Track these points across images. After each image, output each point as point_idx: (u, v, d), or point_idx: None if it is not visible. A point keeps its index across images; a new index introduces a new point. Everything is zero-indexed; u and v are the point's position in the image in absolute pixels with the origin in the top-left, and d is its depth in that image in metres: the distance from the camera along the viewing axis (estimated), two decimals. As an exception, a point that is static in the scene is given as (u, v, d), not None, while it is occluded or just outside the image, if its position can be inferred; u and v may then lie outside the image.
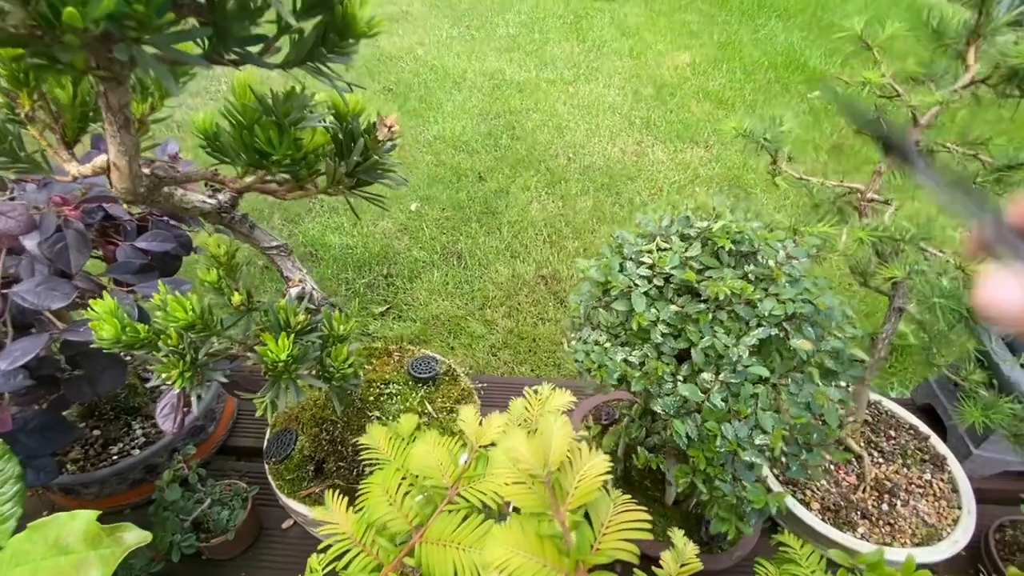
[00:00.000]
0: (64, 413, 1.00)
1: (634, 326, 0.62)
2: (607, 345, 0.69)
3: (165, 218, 0.90)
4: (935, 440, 1.08)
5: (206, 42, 0.44)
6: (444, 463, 0.53)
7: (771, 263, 0.64)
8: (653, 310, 0.63)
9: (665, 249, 0.65)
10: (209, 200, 0.69)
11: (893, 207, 0.93)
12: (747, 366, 0.61)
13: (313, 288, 0.84)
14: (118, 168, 0.49)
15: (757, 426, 0.63)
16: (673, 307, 0.62)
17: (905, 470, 1.03)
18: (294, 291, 0.80)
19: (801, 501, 0.97)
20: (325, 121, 0.57)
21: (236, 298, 0.68)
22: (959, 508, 0.97)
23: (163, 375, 0.62)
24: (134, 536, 0.44)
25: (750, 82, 2.97)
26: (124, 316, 0.60)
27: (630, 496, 0.40)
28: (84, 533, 0.44)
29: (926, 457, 1.06)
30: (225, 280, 0.70)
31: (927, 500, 0.98)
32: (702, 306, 0.61)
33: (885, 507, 0.97)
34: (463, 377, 1.15)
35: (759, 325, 0.62)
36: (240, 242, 0.77)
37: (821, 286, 0.69)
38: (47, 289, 0.67)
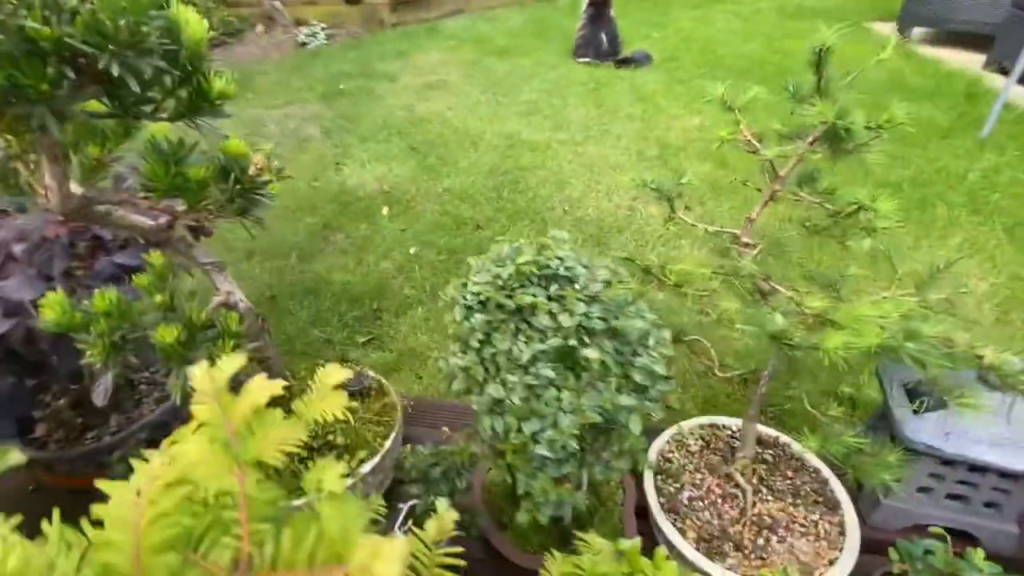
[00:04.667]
0: (56, 404, 1.22)
1: (450, 331, 0.75)
2: (455, 356, 0.82)
3: (142, 241, 1.12)
4: (835, 485, 1.09)
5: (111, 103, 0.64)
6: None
7: (571, 287, 0.75)
8: (467, 321, 0.75)
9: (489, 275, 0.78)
10: (149, 221, 0.88)
11: (757, 249, 1.01)
12: (540, 371, 0.72)
13: (240, 300, 1.02)
14: (51, 190, 0.69)
15: (555, 424, 0.73)
16: (480, 317, 0.74)
17: (792, 508, 1.05)
18: (218, 299, 0.98)
19: (679, 530, 1.01)
20: (214, 162, 0.75)
21: (159, 299, 0.87)
22: (841, 551, 0.98)
23: (89, 353, 0.81)
24: (15, 457, 0.60)
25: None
26: (67, 307, 0.79)
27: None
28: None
29: (819, 499, 1.07)
30: (155, 284, 0.88)
31: (807, 539, 1.00)
32: (503, 316, 0.73)
33: (760, 541, 0.99)
34: (392, 393, 1.29)
35: (555, 336, 0.73)
36: (177, 259, 0.96)
37: (632, 312, 0.79)
38: (26, 285, 0.88)
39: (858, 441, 0.85)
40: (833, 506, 1.07)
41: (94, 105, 0.64)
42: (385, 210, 2.71)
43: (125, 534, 0.42)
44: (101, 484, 0.41)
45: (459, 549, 0.64)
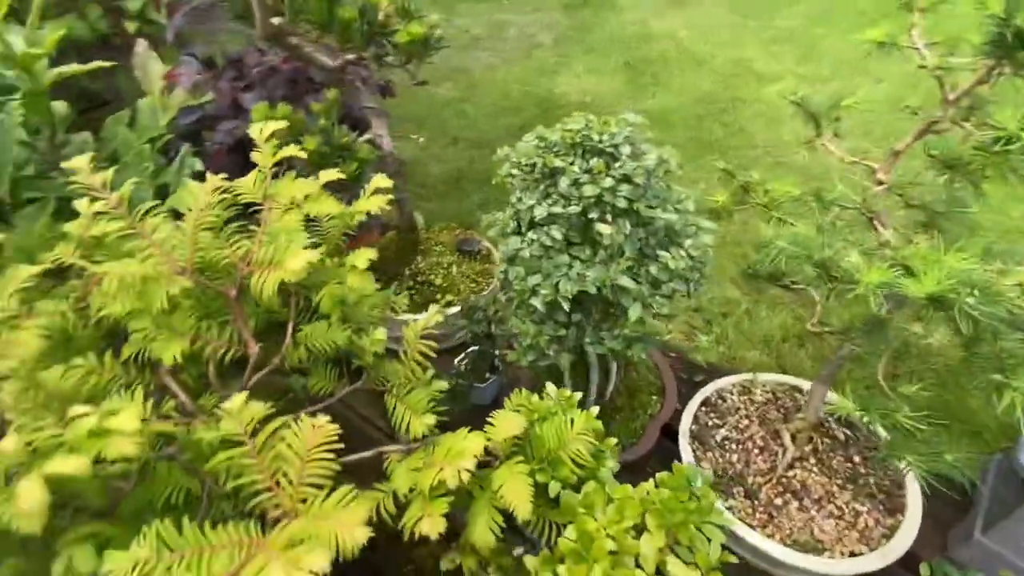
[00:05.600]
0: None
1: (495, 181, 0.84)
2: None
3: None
4: (914, 495, 0.93)
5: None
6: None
7: (610, 162, 0.76)
8: (509, 177, 0.83)
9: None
10: (329, 61, 1.13)
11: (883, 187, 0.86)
12: (551, 232, 0.77)
13: (387, 142, 1.24)
14: (257, 17, 0.95)
15: (556, 285, 0.78)
16: (519, 175, 0.81)
17: (836, 488, 0.93)
18: (366, 136, 1.21)
19: (695, 457, 1.00)
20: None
21: (322, 121, 1.12)
22: (871, 551, 0.86)
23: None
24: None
25: None
26: (266, 112, 1.09)
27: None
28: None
29: (880, 497, 0.93)
30: (324, 110, 1.14)
31: (835, 521, 0.90)
32: (536, 176, 0.79)
33: (779, 501, 0.93)
34: (497, 261, 1.44)
35: (578, 202, 0.76)
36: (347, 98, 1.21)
37: (670, 199, 0.78)
38: (256, 98, 1.22)
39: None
40: (893, 510, 0.91)
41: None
42: (579, 120, 2.77)
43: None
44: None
45: (433, 344, 0.78)
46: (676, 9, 3.78)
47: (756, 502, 0.93)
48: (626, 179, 0.76)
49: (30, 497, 0.41)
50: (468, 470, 0.58)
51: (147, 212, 0.67)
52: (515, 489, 0.60)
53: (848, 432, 1.02)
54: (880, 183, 0.87)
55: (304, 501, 0.54)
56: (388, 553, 0.98)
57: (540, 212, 0.77)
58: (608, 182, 0.75)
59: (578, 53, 3.39)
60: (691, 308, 1.81)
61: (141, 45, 1.33)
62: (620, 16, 3.78)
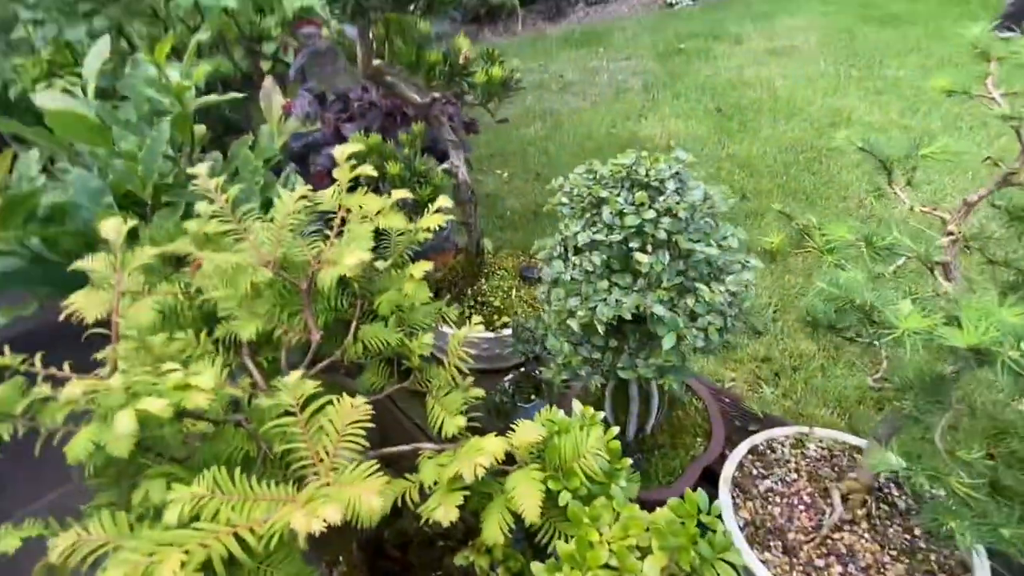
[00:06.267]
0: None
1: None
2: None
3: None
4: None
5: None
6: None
7: (655, 196, 0.80)
8: (559, 207, 0.88)
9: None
10: (418, 98, 1.27)
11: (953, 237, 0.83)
12: (592, 259, 0.81)
13: (462, 173, 1.36)
14: (359, 58, 1.10)
15: (593, 309, 0.82)
16: (567, 203, 0.86)
17: (888, 559, 0.86)
18: (445, 165, 1.33)
19: (735, 504, 0.97)
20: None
21: (406, 150, 1.25)
22: (922, 634, 0.79)
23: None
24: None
25: None
26: (361, 139, 1.24)
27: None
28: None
29: (938, 574, 0.84)
30: (408, 140, 1.27)
31: (883, 595, 0.83)
32: (583, 206, 0.84)
33: (820, 563, 0.87)
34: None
35: (620, 231, 0.80)
36: (432, 131, 1.34)
37: (713, 234, 0.80)
38: (354, 129, 1.39)
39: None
40: (955, 592, 0.82)
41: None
42: (661, 163, 2.79)
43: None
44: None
45: (471, 352, 0.84)
46: (775, 58, 3.73)
47: (794, 560, 0.88)
48: (668, 212, 0.79)
49: (123, 425, 0.51)
50: (483, 466, 0.62)
51: (248, 215, 0.80)
52: (526, 492, 0.63)
53: (911, 502, 0.94)
54: (949, 234, 0.83)
55: (336, 470, 0.61)
56: (420, 554, 1.03)
57: (583, 238, 0.82)
58: (650, 214, 0.78)
59: (667, 98, 3.44)
60: (759, 357, 1.74)
61: (268, 81, 1.56)
62: (714, 64, 3.80)
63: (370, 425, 0.62)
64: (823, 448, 1.05)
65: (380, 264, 0.94)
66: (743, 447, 1.06)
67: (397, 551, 1.03)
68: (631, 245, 0.80)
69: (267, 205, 1.35)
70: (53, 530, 0.63)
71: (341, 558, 1.08)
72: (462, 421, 0.77)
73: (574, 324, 0.83)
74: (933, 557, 0.87)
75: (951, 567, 0.86)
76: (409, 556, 1.03)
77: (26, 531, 0.59)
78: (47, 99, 1.31)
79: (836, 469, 1.00)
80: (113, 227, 0.65)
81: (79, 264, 0.66)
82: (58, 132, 1.39)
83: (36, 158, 1.38)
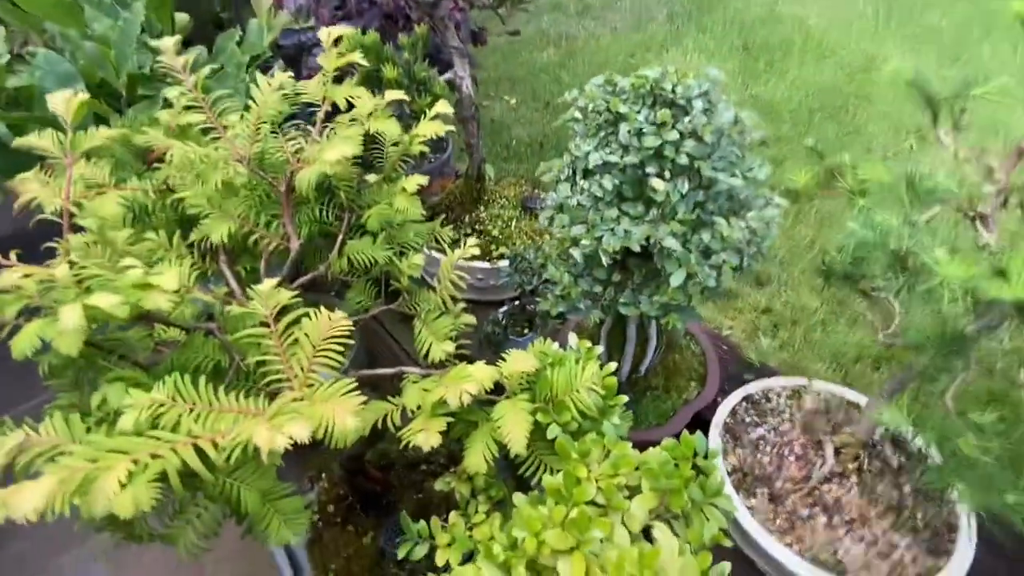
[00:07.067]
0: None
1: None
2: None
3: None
4: (965, 539, 0.82)
5: None
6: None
7: (680, 115, 0.71)
8: (572, 122, 0.80)
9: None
10: (420, -3, 1.14)
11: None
12: (602, 182, 0.74)
13: (467, 85, 1.25)
14: None
15: (599, 238, 0.76)
16: (580, 119, 0.78)
17: (874, 515, 0.85)
18: (447, 76, 1.22)
19: (723, 450, 0.95)
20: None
21: (406, 54, 1.14)
22: (900, 585, 0.78)
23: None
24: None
25: None
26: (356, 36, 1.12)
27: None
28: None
29: (925, 535, 0.84)
30: (410, 45, 1.16)
31: (864, 547, 0.82)
32: (597, 122, 0.76)
33: (804, 512, 0.86)
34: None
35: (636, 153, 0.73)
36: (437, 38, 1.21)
37: (739, 164, 0.72)
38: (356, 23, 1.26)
39: None
40: (938, 552, 0.82)
41: None
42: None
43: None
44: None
45: (465, 275, 0.78)
46: (811, -6, 3.46)
47: (780, 507, 0.87)
48: (693, 134, 0.71)
49: (69, 319, 0.45)
50: (470, 393, 0.58)
51: (222, 104, 0.71)
52: (513, 422, 0.59)
53: (904, 460, 0.92)
54: (996, 181, 0.76)
55: (311, 387, 0.56)
56: (401, 476, 1.02)
57: (594, 159, 0.74)
58: (673, 135, 0.70)
59: (691, 31, 3.21)
60: (759, 308, 1.70)
61: (259, -32, 1.41)
62: (747, -4, 3.52)
63: (350, 342, 0.57)
64: (820, 401, 1.02)
65: (371, 177, 0.86)
66: (738, 394, 1.03)
67: (379, 472, 1.02)
68: (647, 170, 0.73)
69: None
70: (7, 430, 0.60)
71: (323, 475, 1.07)
72: (450, 347, 0.73)
73: (577, 254, 0.77)
74: (920, 515, 0.86)
75: (936, 527, 0.85)
76: (391, 478, 1.02)
77: (-23, 429, 0.55)
78: (10, -32, 1.18)
79: (831, 423, 0.98)
80: (62, 99, 0.57)
81: (23, 140, 0.58)
82: (27, 8, 1.26)
83: (2, 36, 1.26)
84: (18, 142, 0.59)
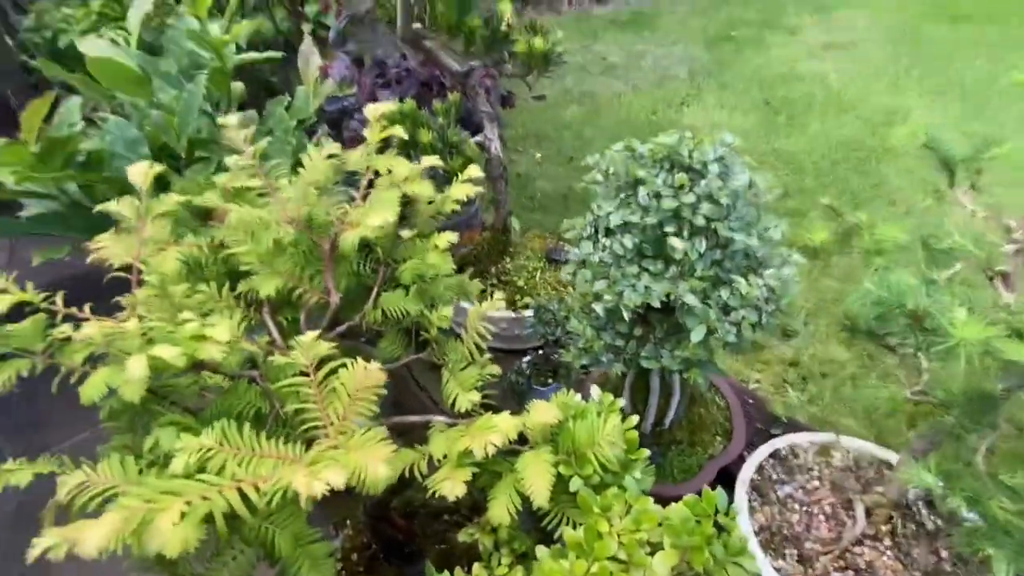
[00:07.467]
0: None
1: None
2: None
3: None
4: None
5: None
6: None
7: (696, 179, 0.75)
8: (594, 185, 0.85)
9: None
10: (456, 66, 1.24)
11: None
12: (623, 241, 0.78)
13: (496, 147, 1.33)
14: (399, 21, 1.07)
15: (620, 294, 0.79)
16: (602, 182, 0.83)
17: (910, 580, 0.82)
18: (478, 138, 1.30)
19: (750, 507, 0.94)
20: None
21: (441, 119, 1.23)
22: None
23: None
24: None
25: None
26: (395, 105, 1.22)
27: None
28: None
29: (967, 603, 0.80)
30: (443, 110, 1.25)
31: (901, 616, 0.79)
32: (618, 185, 0.80)
33: (836, 575, 0.83)
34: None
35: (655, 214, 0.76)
36: (468, 102, 1.31)
37: (755, 225, 0.76)
38: (392, 95, 1.36)
39: None
40: (982, 622, 0.78)
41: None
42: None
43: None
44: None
45: (491, 327, 0.82)
46: (831, 52, 3.55)
47: (810, 570, 0.85)
48: (709, 197, 0.75)
49: (135, 369, 0.50)
50: (494, 444, 0.61)
51: (276, 170, 0.79)
52: (536, 474, 0.61)
53: (940, 524, 0.89)
54: (1015, 241, 0.77)
55: (344, 434, 0.60)
56: (425, 525, 1.03)
57: (615, 219, 0.78)
58: (690, 198, 0.74)
59: (712, 87, 3.32)
60: (787, 361, 1.69)
61: (306, 41, 1.55)
62: (765, 54, 3.64)
63: (383, 392, 0.61)
64: (849, 459, 1.00)
65: (405, 233, 0.92)
66: (764, 449, 1.02)
67: (403, 520, 1.03)
68: (666, 229, 0.76)
69: (299, 167, 1.34)
70: (67, 469, 0.64)
71: (348, 522, 1.09)
72: (476, 396, 0.75)
73: (599, 308, 0.80)
74: (961, 584, 0.82)
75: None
76: (414, 527, 1.03)
77: (39, 467, 0.59)
78: (90, 46, 1.32)
79: (862, 481, 0.96)
80: (139, 172, 0.64)
81: (105, 206, 0.66)
82: (100, 80, 1.41)
83: (79, 104, 1.40)
84: (100, 208, 0.66)
